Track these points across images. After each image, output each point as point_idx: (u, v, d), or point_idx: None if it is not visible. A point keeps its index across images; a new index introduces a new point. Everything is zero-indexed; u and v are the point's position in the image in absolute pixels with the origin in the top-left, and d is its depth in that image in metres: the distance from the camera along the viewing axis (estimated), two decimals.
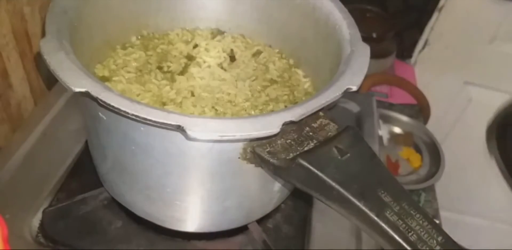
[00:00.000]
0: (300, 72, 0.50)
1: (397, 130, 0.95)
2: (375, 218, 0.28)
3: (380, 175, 0.31)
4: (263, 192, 0.42)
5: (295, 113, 0.32)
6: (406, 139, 0.94)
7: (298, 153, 0.32)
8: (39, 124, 0.58)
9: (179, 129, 0.29)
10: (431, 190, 0.88)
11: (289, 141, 0.33)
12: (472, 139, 1.15)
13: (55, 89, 0.64)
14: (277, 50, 0.52)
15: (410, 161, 0.91)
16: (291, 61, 0.51)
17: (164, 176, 0.38)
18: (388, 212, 0.29)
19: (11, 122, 0.60)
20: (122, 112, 0.30)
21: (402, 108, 0.99)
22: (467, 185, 1.21)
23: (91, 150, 0.45)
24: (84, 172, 0.53)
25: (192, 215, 0.43)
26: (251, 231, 0.50)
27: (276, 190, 0.43)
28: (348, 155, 0.31)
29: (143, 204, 0.43)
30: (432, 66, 1.09)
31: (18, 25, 0.56)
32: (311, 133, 0.34)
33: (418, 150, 0.93)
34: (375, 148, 0.66)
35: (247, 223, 0.48)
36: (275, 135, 0.31)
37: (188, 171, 0.37)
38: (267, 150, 0.32)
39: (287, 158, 0.32)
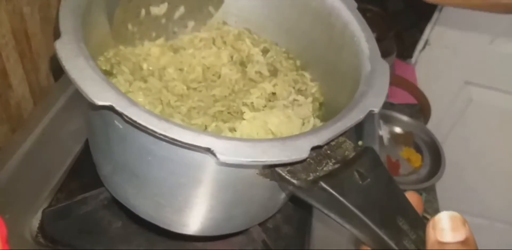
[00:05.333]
0: (307, 75, 0.49)
1: (397, 129, 0.95)
2: (395, 247, 0.29)
3: (397, 201, 0.31)
4: (270, 200, 0.42)
5: (322, 138, 0.31)
6: (406, 139, 0.94)
7: (317, 173, 0.32)
8: (39, 124, 0.58)
9: (209, 151, 0.29)
10: (431, 190, 0.88)
11: (308, 159, 0.33)
12: (473, 139, 1.15)
13: (55, 89, 0.64)
14: (283, 50, 0.51)
15: (410, 161, 0.91)
16: (298, 62, 0.50)
17: (177, 186, 0.37)
18: (406, 240, 0.29)
19: (11, 122, 0.60)
20: (149, 131, 0.28)
21: (403, 108, 0.99)
22: (467, 185, 1.20)
23: (94, 150, 0.44)
24: (84, 172, 0.53)
25: (197, 221, 0.42)
26: (251, 232, 0.50)
27: (282, 198, 0.42)
28: (369, 180, 0.31)
29: (149, 208, 0.42)
30: (432, 66, 1.08)
31: (18, 25, 0.56)
32: (328, 151, 0.34)
33: (418, 150, 0.93)
34: (376, 148, 0.66)
35: (250, 227, 0.48)
36: (303, 160, 0.31)
37: (203, 183, 0.36)
38: (287, 168, 0.32)
39: (308, 178, 0.31)
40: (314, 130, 0.32)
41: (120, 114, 0.29)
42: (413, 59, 1.09)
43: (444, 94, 1.10)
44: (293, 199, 0.46)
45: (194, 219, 0.42)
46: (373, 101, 0.35)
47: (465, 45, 1.03)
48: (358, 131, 0.65)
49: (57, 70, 0.69)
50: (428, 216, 0.85)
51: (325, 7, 0.45)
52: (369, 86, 0.36)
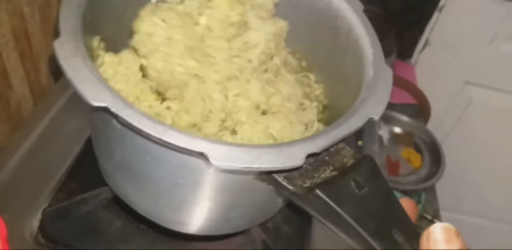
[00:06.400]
0: (311, 76, 0.48)
1: (397, 129, 0.95)
2: None
3: (394, 212, 0.31)
4: (268, 203, 0.41)
5: (318, 145, 0.31)
6: (406, 139, 0.94)
7: (314, 180, 0.32)
8: (39, 124, 0.58)
9: (202, 156, 0.28)
10: (431, 190, 0.89)
11: (305, 165, 0.32)
12: (473, 139, 1.15)
13: (56, 89, 0.64)
14: (290, 50, 0.49)
15: (410, 161, 0.91)
16: (304, 63, 0.49)
17: (175, 186, 0.37)
18: None
19: (11, 122, 0.60)
20: (143, 134, 0.28)
21: (402, 108, 0.99)
22: (467, 185, 1.21)
23: (95, 145, 0.43)
24: (84, 172, 0.53)
25: (195, 221, 0.42)
26: (250, 232, 0.50)
27: (280, 201, 0.42)
28: (366, 189, 0.31)
29: (148, 206, 0.43)
30: (432, 66, 1.09)
31: (18, 25, 0.56)
32: (327, 158, 0.33)
33: (418, 150, 0.93)
34: (376, 148, 0.66)
35: (249, 228, 0.48)
36: (298, 168, 0.30)
37: (200, 185, 0.36)
38: (284, 174, 0.32)
39: (304, 185, 0.31)
40: (311, 137, 0.32)
41: (115, 116, 0.29)
42: (413, 59, 1.10)
43: (444, 94, 1.10)
44: (289, 206, 0.46)
45: (192, 219, 0.42)
46: (374, 109, 0.34)
47: (465, 45, 1.03)
48: (358, 131, 0.65)
49: (58, 70, 0.69)
50: (428, 216, 0.85)
51: (331, 9, 0.44)
52: (370, 93, 0.36)
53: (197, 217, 0.41)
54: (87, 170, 0.53)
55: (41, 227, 0.48)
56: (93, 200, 0.50)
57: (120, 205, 0.52)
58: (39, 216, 0.49)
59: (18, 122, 0.61)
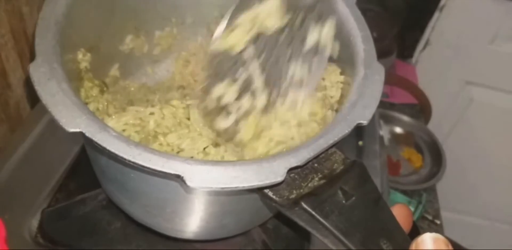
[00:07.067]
0: None
1: (398, 129, 0.95)
2: None
3: (383, 221, 0.30)
4: (262, 209, 0.41)
5: (300, 158, 0.30)
6: (407, 139, 0.94)
7: (301, 190, 0.31)
8: (38, 124, 0.58)
9: (179, 178, 0.28)
10: (432, 190, 0.88)
11: (293, 174, 0.31)
12: (473, 139, 1.15)
13: None
14: None
15: (411, 161, 0.91)
16: None
17: (163, 200, 0.37)
18: None
19: (10, 122, 0.60)
20: (119, 158, 0.28)
21: (403, 108, 0.99)
22: (468, 185, 1.20)
23: (90, 159, 0.43)
24: (83, 172, 0.53)
25: (190, 228, 0.43)
26: (251, 232, 0.50)
27: None
28: (353, 198, 0.30)
29: (143, 216, 0.43)
30: (433, 66, 1.08)
31: (17, 25, 0.56)
32: (316, 164, 0.32)
33: (419, 150, 0.93)
34: (376, 148, 0.66)
35: (246, 230, 0.48)
36: (280, 183, 0.29)
37: (187, 199, 0.36)
38: None
39: (291, 196, 0.30)
40: (294, 150, 0.31)
41: (90, 141, 0.28)
42: (413, 59, 1.10)
43: (444, 94, 1.10)
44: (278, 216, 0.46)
45: (187, 227, 0.42)
46: (362, 113, 0.33)
47: (465, 45, 1.03)
48: (358, 131, 0.65)
49: None
50: (429, 217, 0.85)
51: (323, 2, 0.41)
52: (359, 96, 0.34)
53: (191, 226, 0.41)
54: (86, 170, 0.52)
55: (40, 227, 0.48)
56: (92, 200, 0.50)
57: None
58: (38, 216, 0.49)
59: (17, 122, 0.61)
